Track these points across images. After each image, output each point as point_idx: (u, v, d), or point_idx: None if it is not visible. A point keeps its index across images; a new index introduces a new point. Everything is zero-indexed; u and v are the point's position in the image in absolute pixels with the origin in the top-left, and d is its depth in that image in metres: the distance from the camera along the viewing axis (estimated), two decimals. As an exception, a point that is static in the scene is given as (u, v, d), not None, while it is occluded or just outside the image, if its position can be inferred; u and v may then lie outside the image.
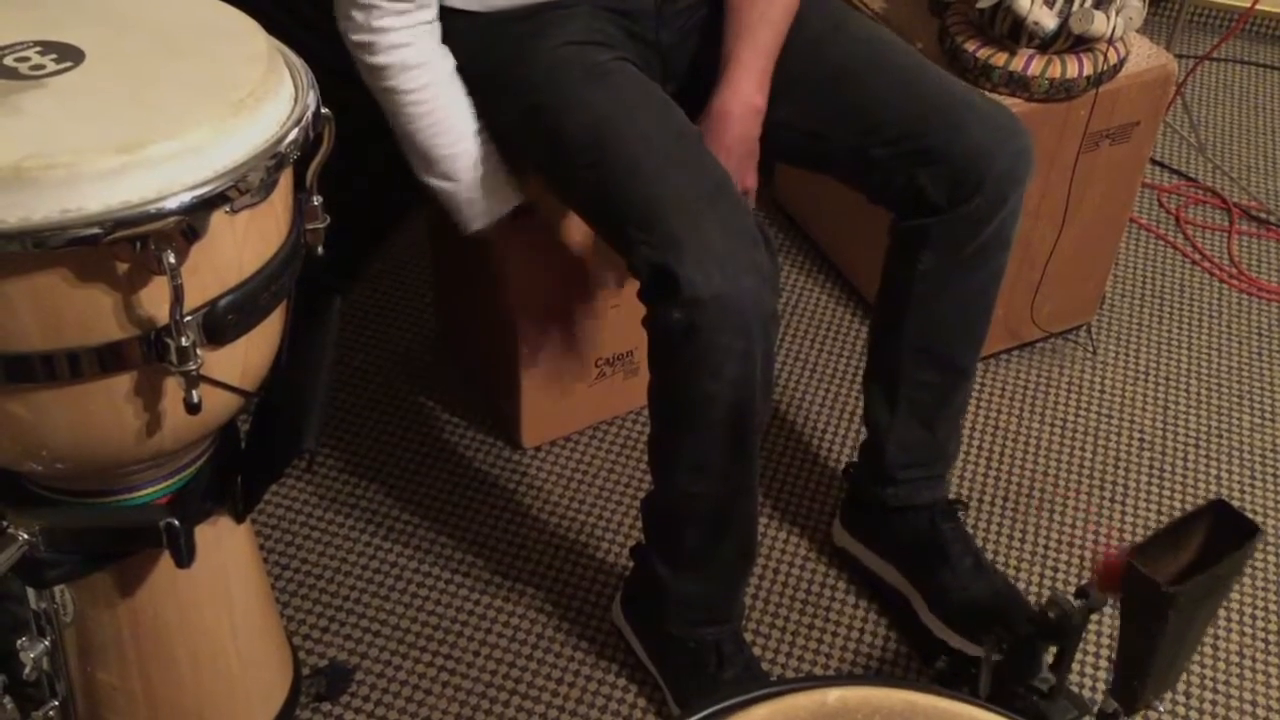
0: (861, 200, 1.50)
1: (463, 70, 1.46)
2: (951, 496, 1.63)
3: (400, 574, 1.66)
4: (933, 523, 1.57)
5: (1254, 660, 1.61)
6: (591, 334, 1.76)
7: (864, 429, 1.60)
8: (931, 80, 1.44)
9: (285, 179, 1.01)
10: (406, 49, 1.39)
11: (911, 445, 1.55)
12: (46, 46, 0.96)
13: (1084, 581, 1.48)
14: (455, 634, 1.59)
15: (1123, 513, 1.80)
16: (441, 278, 1.97)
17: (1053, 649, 1.30)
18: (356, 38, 1.39)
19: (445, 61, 1.44)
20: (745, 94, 1.43)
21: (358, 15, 1.37)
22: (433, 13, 1.42)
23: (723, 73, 1.44)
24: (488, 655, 1.57)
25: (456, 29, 1.46)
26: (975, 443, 1.89)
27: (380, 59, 1.39)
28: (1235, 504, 1.17)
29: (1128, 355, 2.07)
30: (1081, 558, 1.72)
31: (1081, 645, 1.60)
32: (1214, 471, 1.88)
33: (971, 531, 1.63)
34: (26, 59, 0.95)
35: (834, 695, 0.78)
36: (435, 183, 1.49)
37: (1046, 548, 1.74)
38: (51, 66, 0.94)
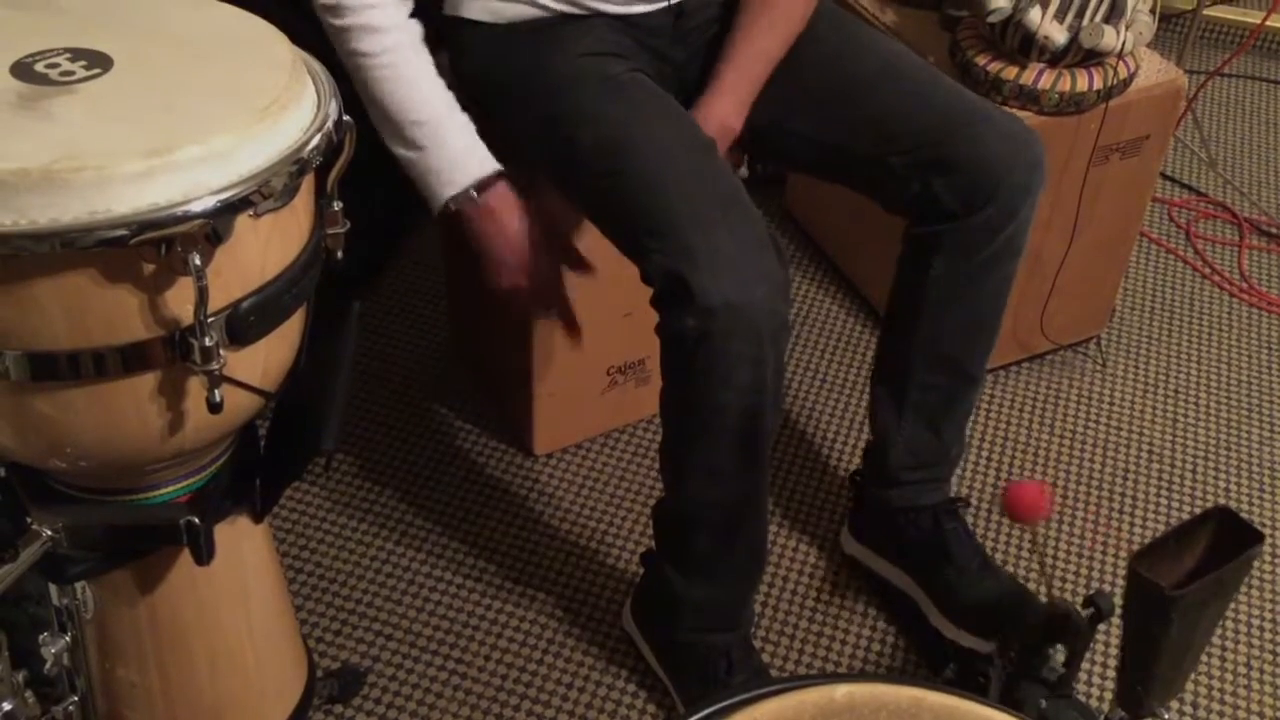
0: (872, 211, 1.52)
1: (477, 81, 1.48)
2: (954, 495, 1.64)
3: (413, 578, 1.68)
4: (937, 523, 1.58)
5: (1261, 671, 1.62)
6: (604, 342, 1.77)
7: (869, 432, 1.61)
8: (946, 91, 1.46)
9: (307, 184, 1.03)
10: (373, 10, 1.35)
11: (916, 448, 1.56)
12: (76, 53, 0.98)
13: (1093, 591, 1.49)
14: (467, 638, 1.61)
15: (1131, 523, 1.81)
16: (455, 285, 1.98)
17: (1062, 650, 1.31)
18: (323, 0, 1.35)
19: (413, 27, 1.39)
20: (721, 113, 1.46)
21: None
22: None
23: (706, 87, 1.47)
24: (499, 659, 1.59)
25: (471, 40, 1.48)
26: (985, 453, 1.90)
27: (346, 20, 1.35)
28: (1244, 516, 1.18)
29: (1137, 368, 2.08)
30: (1090, 567, 1.73)
31: (1090, 657, 1.61)
32: (1222, 483, 1.88)
33: (981, 540, 1.64)
34: (57, 65, 0.97)
35: (842, 691, 0.79)
36: (402, 153, 1.41)
37: (1055, 558, 1.74)
38: (81, 73, 0.96)
